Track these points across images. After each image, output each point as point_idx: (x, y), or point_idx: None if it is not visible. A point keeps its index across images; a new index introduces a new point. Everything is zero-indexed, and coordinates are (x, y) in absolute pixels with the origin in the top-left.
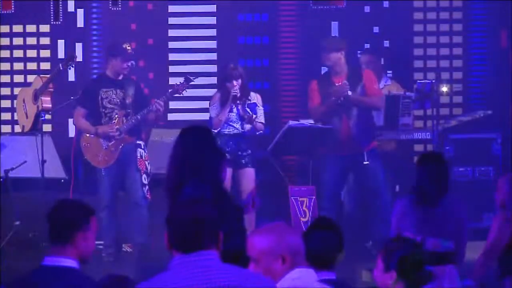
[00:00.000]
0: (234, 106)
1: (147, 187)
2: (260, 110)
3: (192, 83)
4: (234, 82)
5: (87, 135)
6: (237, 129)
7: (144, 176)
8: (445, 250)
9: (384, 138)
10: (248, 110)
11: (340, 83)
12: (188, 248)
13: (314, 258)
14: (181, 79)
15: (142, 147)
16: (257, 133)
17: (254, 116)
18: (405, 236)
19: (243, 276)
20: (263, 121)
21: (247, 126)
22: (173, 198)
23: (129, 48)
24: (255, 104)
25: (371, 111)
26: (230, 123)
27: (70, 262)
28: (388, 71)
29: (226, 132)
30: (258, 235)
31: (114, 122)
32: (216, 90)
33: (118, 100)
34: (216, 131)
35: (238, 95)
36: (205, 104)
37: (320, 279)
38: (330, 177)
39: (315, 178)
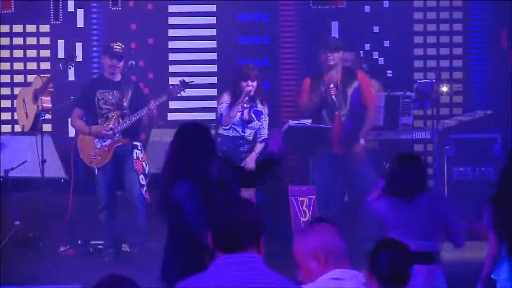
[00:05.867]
0: (240, 110)
1: (145, 187)
2: (266, 121)
3: (190, 83)
4: (250, 82)
5: (83, 135)
6: (237, 131)
7: (141, 176)
8: (427, 250)
9: (384, 138)
10: (253, 115)
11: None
12: (230, 249)
13: None
14: (177, 81)
15: (139, 148)
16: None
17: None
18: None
19: (283, 282)
20: (267, 131)
21: (248, 131)
22: (163, 194)
23: (117, 47)
24: (261, 112)
25: (363, 111)
26: (232, 126)
27: None
28: (388, 71)
29: (225, 134)
30: (296, 238)
31: (109, 123)
32: (216, 89)
33: (114, 101)
34: (227, 127)
35: (252, 93)
36: (205, 104)
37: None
38: (322, 176)
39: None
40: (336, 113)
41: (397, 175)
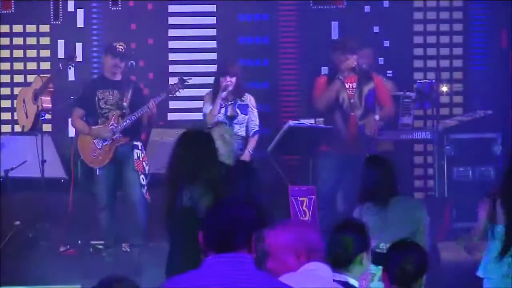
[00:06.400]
0: (223, 106)
1: (145, 187)
2: (254, 112)
3: (187, 83)
4: (228, 78)
5: (83, 135)
6: None
7: (142, 177)
8: None
9: (384, 138)
10: (238, 110)
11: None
12: (221, 248)
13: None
14: (175, 80)
15: (140, 148)
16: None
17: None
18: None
19: (272, 283)
20: (257, 123)
21: (237, 127)
22: (171, 200)
23: (120, 46)
24: (247, 106)
25: (377, 113)
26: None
27: None
28: (388, 71)
29: None
30: (275, 231)
31: (109, 123)
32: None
33: (114, 101)
34: (210, 126)
35: (230, 88)
36: None
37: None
38: (330, 176)
39: (315, 177)
40: (352, 114)
41: (362, 179)
